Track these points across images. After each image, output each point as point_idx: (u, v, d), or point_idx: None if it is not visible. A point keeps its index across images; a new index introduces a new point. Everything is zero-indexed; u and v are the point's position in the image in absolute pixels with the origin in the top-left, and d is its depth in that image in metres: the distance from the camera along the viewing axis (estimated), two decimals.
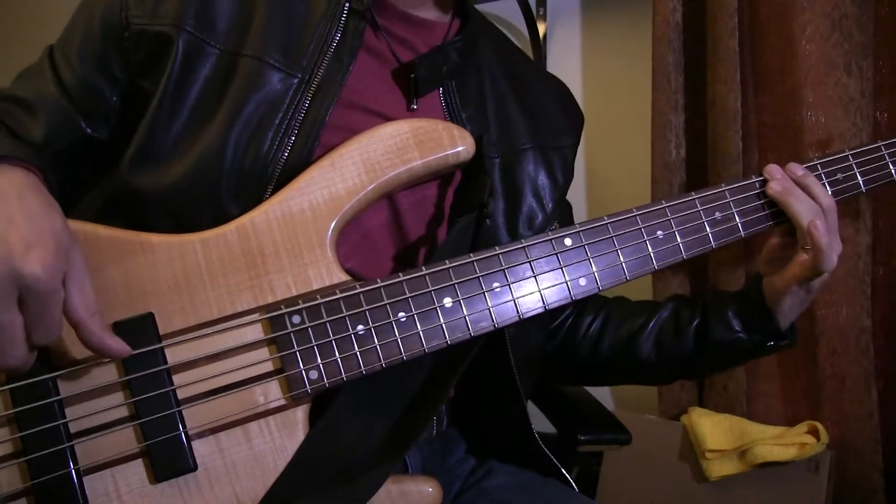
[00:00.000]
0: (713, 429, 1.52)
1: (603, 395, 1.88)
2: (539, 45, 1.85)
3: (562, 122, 1.00)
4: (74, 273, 0.62)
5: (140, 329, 0.67)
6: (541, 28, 1.85)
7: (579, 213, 1.86)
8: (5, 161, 0.65)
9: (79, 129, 0.81)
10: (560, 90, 1.05)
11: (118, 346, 0.64)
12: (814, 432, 1.46)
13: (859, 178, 0.89)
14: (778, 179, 0.86)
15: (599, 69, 1.86)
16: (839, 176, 0.89)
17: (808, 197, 0.86)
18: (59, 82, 0.81)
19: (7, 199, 0.62)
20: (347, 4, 0.81)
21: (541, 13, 1.85)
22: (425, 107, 0.87)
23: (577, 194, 1.88)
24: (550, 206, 0.95)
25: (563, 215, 1.01)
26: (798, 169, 0.87)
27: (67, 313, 0.62)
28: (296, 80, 0.79)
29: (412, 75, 0.84)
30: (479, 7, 1.12)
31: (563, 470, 0.89)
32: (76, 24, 0.83)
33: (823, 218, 0.85)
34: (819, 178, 0.88)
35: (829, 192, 0.87)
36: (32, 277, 0.58)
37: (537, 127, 0.95)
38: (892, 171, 0.91)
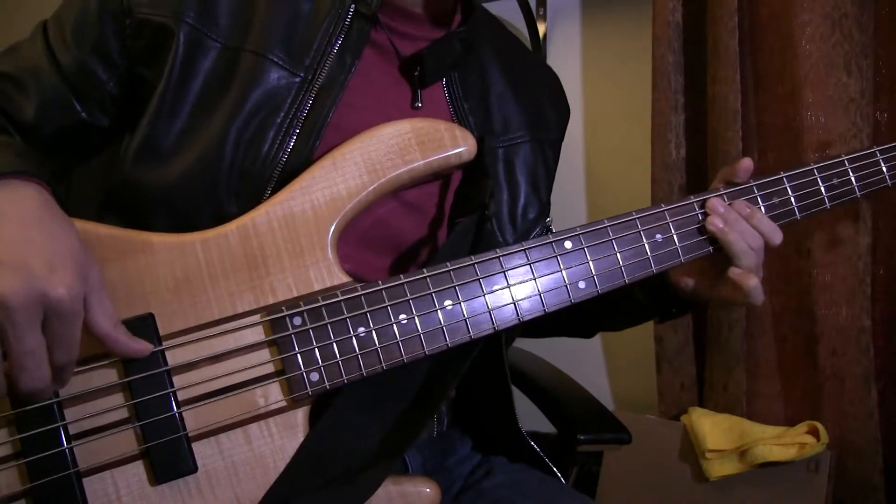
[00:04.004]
0: (713, 429, 1.52)
1: (603, 395, 1.89)
2: (539, 45, 1.85)
3: (553, 115, 1.01)
4: (93, 288, 0.63)
5: (140, 330, 0.67)
6: (541, 28, 1.85)
7: (579, 213, 1.88)
8: (17, 177, 0.65)
9: (73, 111, 0.79)
10: (552, 83, 1.06)
11: (142, 347, 0.66)
12: (814, 432, 1.46)
13: (854, 182, 0.89)
14: (720, 214, 0.83)
15: (599, 69, 1.85)
16: (835, 181, 0.89)
17: (752, 232, 0.83)
18: (54, 61, 0.79)
19: (24, 221, 0.62)
20: (353, 6, 0.81)
21: (541, 13, 1.85)
22: (429, 98, 0.87)
23: (576, 194, 1.88)
24: (544, 197, 0.97)
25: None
26: (744, 207, 0.84)
27: (91, 328, 0.63)
28: (298, 80, 0.78)
29: (417, 68, 0.84)
30: None
31: (545, 458, 0.90)
32: (73, 2, 0.81)
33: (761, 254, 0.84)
34: (814, 182, 0.88)
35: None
36: (57, 300, 0.59)
37: (533, 120, 0.96)
38: (887, 175, 0.91)
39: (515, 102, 0.94)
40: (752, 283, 0.82)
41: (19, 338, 0.58)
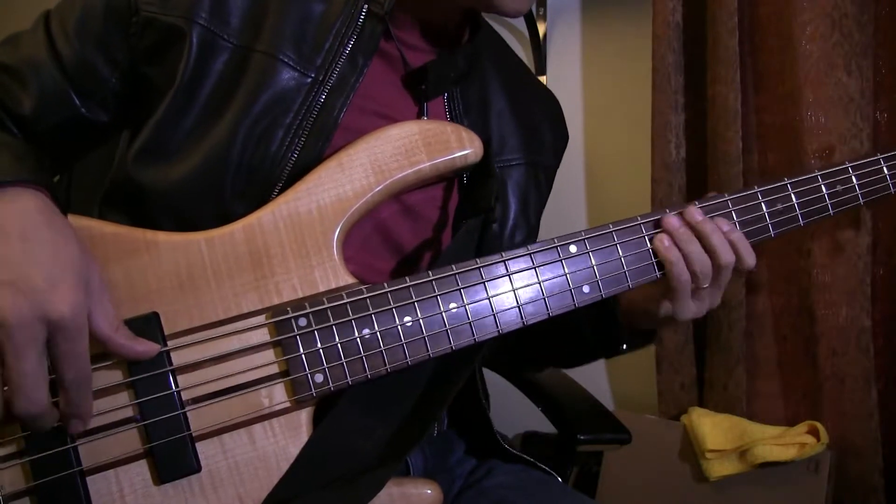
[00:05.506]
0: (713, 429, 1.52)
1: (603, 394, 1.89)
2: (539, 45, 1.85)
3: (551, 141, 1.00)
4: (93, 293, 0.62)
5: (145, 329, 0.67)
6: (541, 28, 1.85)
7: (579, 213, 1.88)
8: (15, 185, 0.64)
9: (72, 106, 0.78)
10: (553, 109, 1.04)
11: (147, 348, 0.66)
12: (814, 432, 1.46)
13: (858, 190, 0.88)
14: (671, 234, 0.78)
15: (599, 69, 1.85)
16: (839, 188, 0.87)
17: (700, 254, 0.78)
18: (55, 54, 0.78)
19: (24, 234, 0.60)
20: (367, 6, 0.80)
21: (541, 13, 1.85)
22: (428, 110, 0.86)
23: (577, 194, 1.89)
24: (533, 220, 0.96)
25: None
26: (699, 217, 0.79)
27: (92, 332, 0.62)
28: (309, 80, 0.78)
29: (422, 81, 0.83)
30: None
31: (526, 458, 0.91)
32: None
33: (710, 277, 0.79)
34: (818, 189, 0.86)
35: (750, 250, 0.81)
36: (60, 317, 0.58)
37: (530, 143, 0.95)
38: (890, 183, 0.89)
39: (514, 123, 0.94)
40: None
41: (18, 358, 0.57)
